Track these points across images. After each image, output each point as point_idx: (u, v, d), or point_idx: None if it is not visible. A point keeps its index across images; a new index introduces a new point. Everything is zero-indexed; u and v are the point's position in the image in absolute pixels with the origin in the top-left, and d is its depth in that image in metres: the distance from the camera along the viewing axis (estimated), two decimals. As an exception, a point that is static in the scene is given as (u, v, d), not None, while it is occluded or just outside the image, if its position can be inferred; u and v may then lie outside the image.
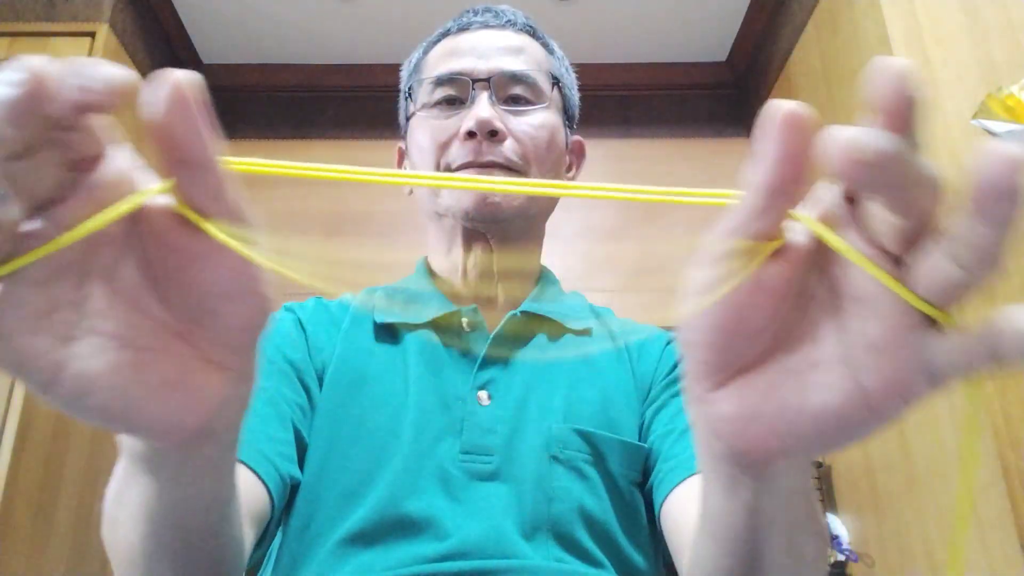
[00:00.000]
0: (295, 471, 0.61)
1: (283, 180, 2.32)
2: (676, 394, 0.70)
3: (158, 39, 2.21)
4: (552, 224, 0.79)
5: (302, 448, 0.63)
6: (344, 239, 2.21)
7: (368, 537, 0.58)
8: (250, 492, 0.55)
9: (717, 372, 0.30)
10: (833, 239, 0.26)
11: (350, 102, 2.44)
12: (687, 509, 0.57)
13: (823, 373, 0.27)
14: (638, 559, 0.64)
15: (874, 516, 1.67)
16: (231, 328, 0.29)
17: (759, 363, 0.29)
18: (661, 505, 0.62)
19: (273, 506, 0.57)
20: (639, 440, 0.68)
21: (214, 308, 0.28)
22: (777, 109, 0.25)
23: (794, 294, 0.28)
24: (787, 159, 0.25)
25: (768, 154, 0.26)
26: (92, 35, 1.90)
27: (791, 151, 0.25)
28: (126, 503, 0.38)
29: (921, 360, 0.25)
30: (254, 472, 0.56)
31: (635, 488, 0.66)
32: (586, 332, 0.74)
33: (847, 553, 1.75)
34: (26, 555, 1.59)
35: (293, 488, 0.65)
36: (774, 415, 0.28)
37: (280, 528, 0.65)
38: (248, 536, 0.51)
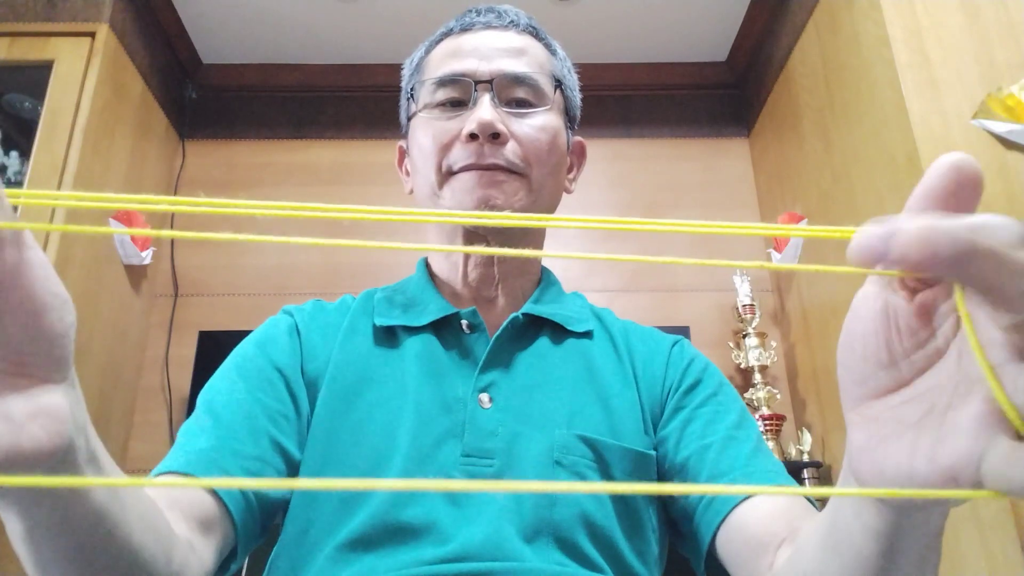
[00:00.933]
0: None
1: (284, 180, 2.31)
2: (702, 403, 0.69)
3: (158, 39, 2.21)
4: (552, 225, 0.79)
5: (287, 459, 0.63)
6: (346, 239, 2.21)
7: (368, 542, 0.58)
8: (204, 508, 0.54)
9: (848, 391, 0.31)
10: (961, 305, 0.26)
11: (350, 102, 2.44)
12: (770, 524, 0.56)
13: (917, 430, 0.28)
14: (639, 566, 0.63)
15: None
16: (56, 338, 0.29)
17: (887, 397, 0.30)
18: (722, 521, 0.60)
19: (235, 523, 0.56)
20: (653, 448, 0.68)
21: (39, 325, 0.28)
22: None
23: (914, 334, 0.29)
24: (922, 196, 0.27)
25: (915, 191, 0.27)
26: (92, 35, 1.90)
27: (926, 190, 0.27)
28: (18, 544, 0.38)
29: (976, 457, 0.25)
30: (208, 489, 0.55)
31: (638, 495, 0.65)
32: (587, 335, 0.74)
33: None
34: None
35: (289, 494, 0.65)
36: (882, 457, 0.29)
37: (279, 533, 0.65)
38: (200, 549, 0.51)
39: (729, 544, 0.59)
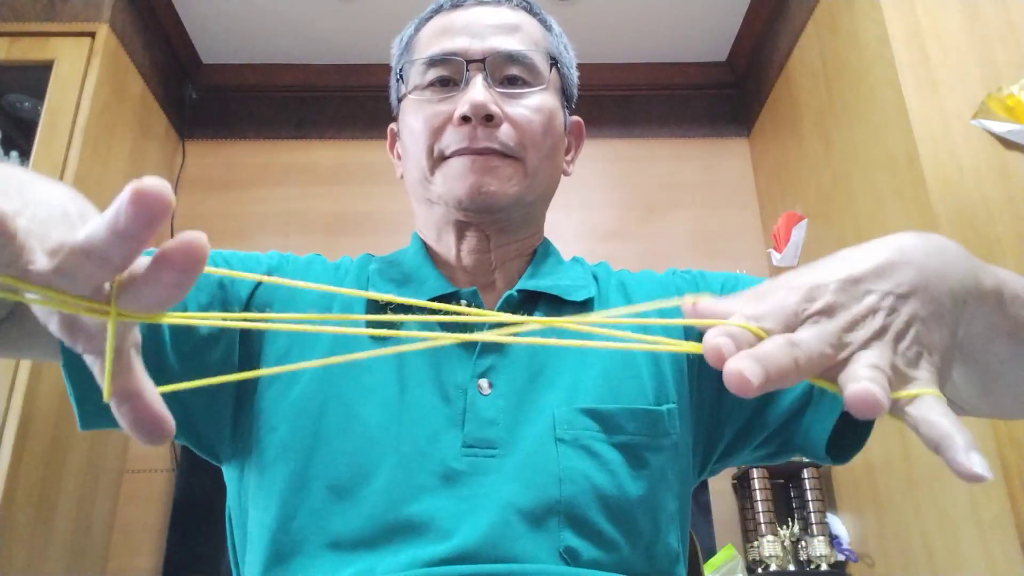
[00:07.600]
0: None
1: (284, 180, 2.32)
2: (721, 289, 0.69)
3: (158, 39, 2.20)
4: (551, 225, 0.78)
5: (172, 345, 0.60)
6: (345, 239, 2.21)
7: (368, 541, 0.56)
8: None
9: None
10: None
11: (350, 102, 2.44)
12: None
13: None
14: (660, 531, 0.61)
15: (874, 516, 1.67)
16: None
17: None
18: None
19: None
20: (662, 403, 0.64)
21: None
22: None
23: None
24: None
25: None
26: (92, 35, 1.90)
27: None
28: None
29: None
30: None
31: (650, 453, 0.62)
32: (587, 303, 0.70)
33: (847, 553, 1.75)
34: (26, 555, 1.59)
35: (276, 479, 0.61)
36: None
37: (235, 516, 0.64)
38: None
39: None
